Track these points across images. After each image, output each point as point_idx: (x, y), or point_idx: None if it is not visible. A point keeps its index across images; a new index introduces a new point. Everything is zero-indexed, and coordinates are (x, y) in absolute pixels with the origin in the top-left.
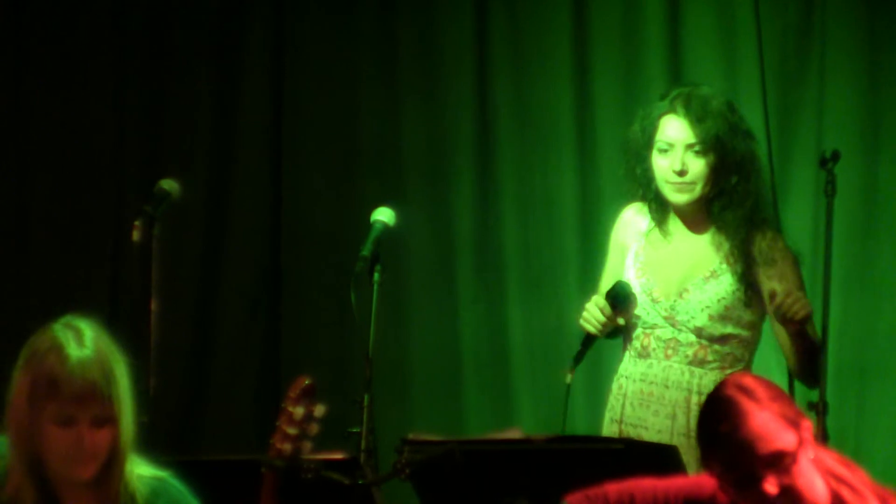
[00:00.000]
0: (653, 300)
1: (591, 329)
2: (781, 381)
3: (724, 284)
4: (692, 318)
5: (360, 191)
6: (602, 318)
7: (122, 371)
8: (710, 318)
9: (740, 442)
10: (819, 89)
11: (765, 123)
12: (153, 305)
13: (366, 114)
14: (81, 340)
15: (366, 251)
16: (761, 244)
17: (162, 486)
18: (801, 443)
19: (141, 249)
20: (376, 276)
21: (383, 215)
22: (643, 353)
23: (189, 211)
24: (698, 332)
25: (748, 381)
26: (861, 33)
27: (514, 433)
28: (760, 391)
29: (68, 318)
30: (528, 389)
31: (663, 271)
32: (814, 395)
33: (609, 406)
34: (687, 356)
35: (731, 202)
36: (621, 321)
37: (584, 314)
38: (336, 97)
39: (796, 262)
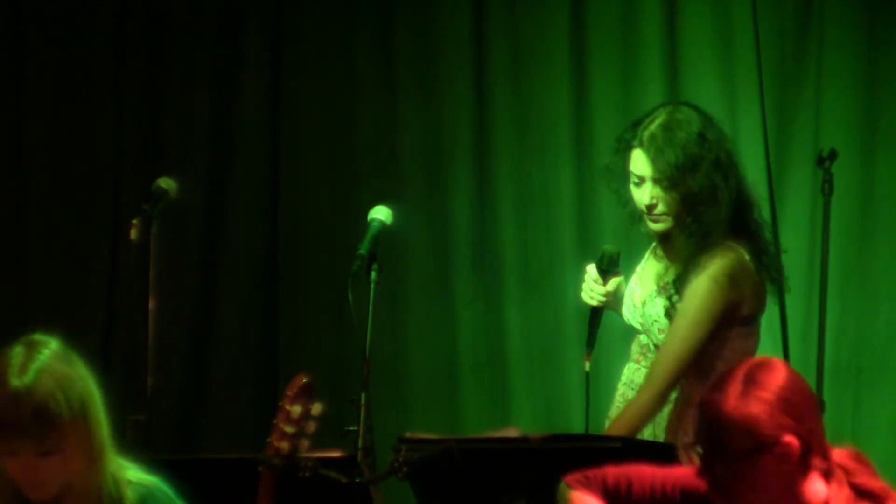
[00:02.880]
0: (633, 305)
1: (591, 301)
2: None
3: (663, 302)
4: (649, 328)
5: (357, 190)
6: (594, 286)
7: (71, 400)
8: (660, 331)
9: (719, 421)
10: (816, 90)
11: (762, 123)
12: (151, 304)
13: (363, 113)
14: (25, 369)
15: (363, 250)
16: (694, 270)
17: (150, 492)
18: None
19: (139, 248)
20: (373, 275)
21: (381, 214)
22: (629, 357)
23: (187, 210)
24: (655, 342)
25: (767, 362)
26: (859, 34)
27: (511, 432)
28: (770, 375)
29: (30, 338)
30: (525, 389)
31: (646, 282)
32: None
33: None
34: (650, 362)
35: (688, 230)
36: (611, 286)
37: (583, 286)
38: (333, 97)
39: (710, 296)
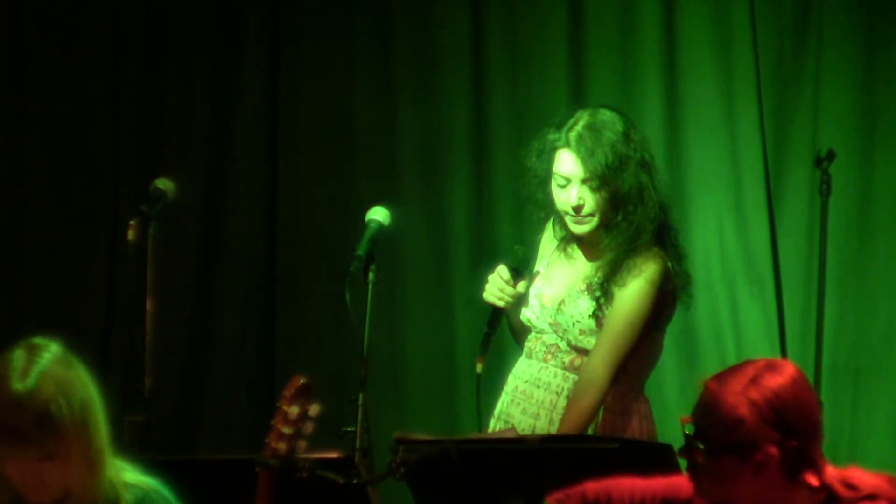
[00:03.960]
0: (542, 305)
1: (498, 302)
2: None
3: (589, 303)
4: (566, 329)
5: (355, 190)
6: (504, 287)
7: (72, 405)
8: (581, 332)
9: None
10: (815, 89)
11: (760, 124)
12: (149, 305)
13: (361, 114)
14: (26, 373)
15: (361, 250)
16: (625, 273)
17: (147, 494)
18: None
19: (137, 249)
20: (371, 275)
21: (378, 215)
22: (529, 354)
23: (185, 210)
24: (571, 343)
25: (776, 361)
26: (858, 33)
27: (509, 433)
28: (774, 371)
29: (31, 342)
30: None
31: (556, 280)
32: None
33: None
34: (563, 362)
35: (618, 231)
36: (521, 288)
37: (487, 287)
38: (331, 98)
39: (643, 301)
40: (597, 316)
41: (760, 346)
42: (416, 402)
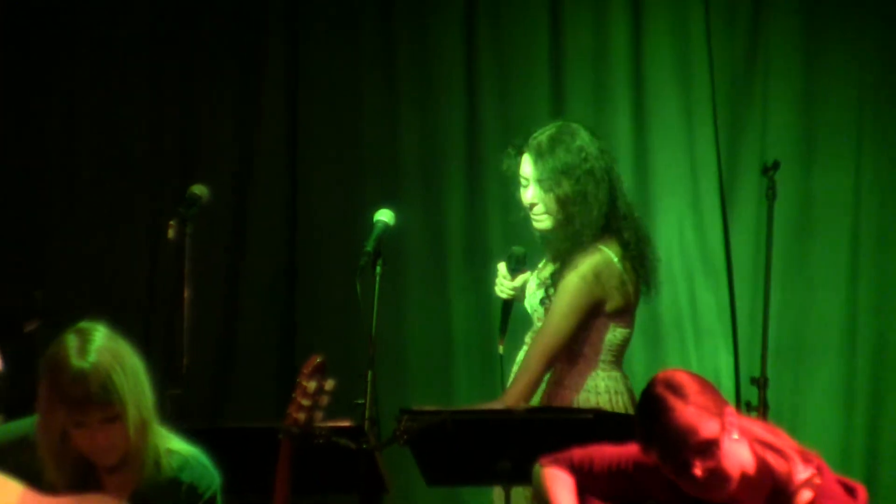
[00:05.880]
0: (529, 295)
1: (502, 294)
2: (727, 376)
3: (542, 294)
4: (532, 316)
5: (363, 194)
6: (503, 281)
7: (125, 372)
8: (539, 318)
9: (671, 436)
10: (762, 108)
11: (715, 137)
12: (186, 294)
13: (368, 127)
14: (84, 351)
15: (369, 247)
16: (567, 267)
17: (188, 461)
18: (723, 428)
19: (175, 246)
20: (378, 268)
21: (384, 216)
22: (526, 340)
23: (216, 212)
24: (536, 328)
25: (675, 378)
26: (798, 63)
27: (497, 405)
28: (686, 387)
29: (82, 325)
30: (509, 366)
31: (535, 277)
32: (756, 372)
33: None
34: None
35: (562, 229)
36: (518, 282)
37: (496, 282)
38: (342, 113)
39: (576, 295)
40: (545, 305)
41: (715, 330)
42: (416, 377)
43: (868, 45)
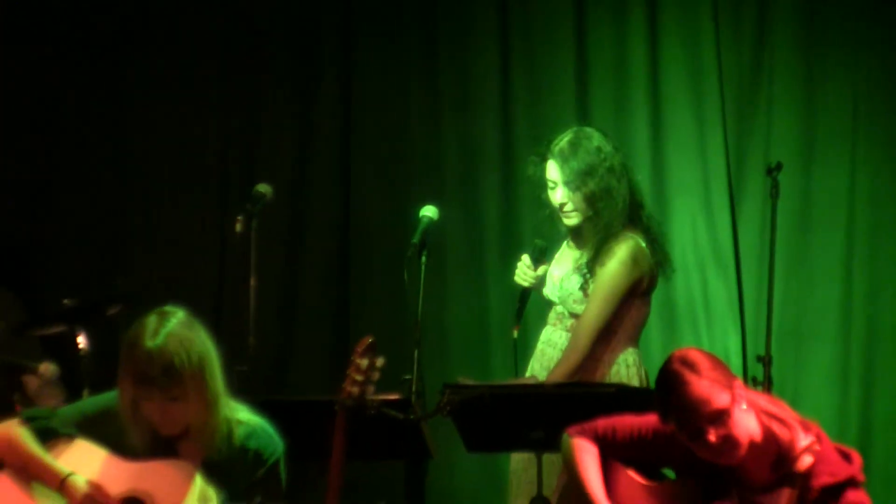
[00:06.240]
0: (553, 284)
1: (524, 283)
2: (735, 354)
3: (578, 279)
4: (565, 300)
5: (409, 193)
6: (527, 271)
7: (191, 358)
8: (574, 301)
9: (686, 407)
10: (767, 115)
11: (724, 142)
12: (252, 282)
13: (414, 133)
14: (156, 333)
15: (415, 239)
16: (604, 255)
17: (254, 430)
18: (733, 400)
19: (242, 239)
20: (423, 259)
21: (429, 212)
22: (548, 322)
23: (278, 209)
24: (569, 311)
25: (690, 355)
26: (800, 72)
27: (531, 380)
28: (700, 363)
29: (166, 308)
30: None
31: (562, 264)
32: (761, 351)
33: None
34: (566, 325)
35: (592, 222)
36: (541, 272)
37: (516, 272)
38: (391, 120)
39: (618, 278)
40: (584, 289)
41: (724, 315)
42: (457, 356)
43: (863, 57)
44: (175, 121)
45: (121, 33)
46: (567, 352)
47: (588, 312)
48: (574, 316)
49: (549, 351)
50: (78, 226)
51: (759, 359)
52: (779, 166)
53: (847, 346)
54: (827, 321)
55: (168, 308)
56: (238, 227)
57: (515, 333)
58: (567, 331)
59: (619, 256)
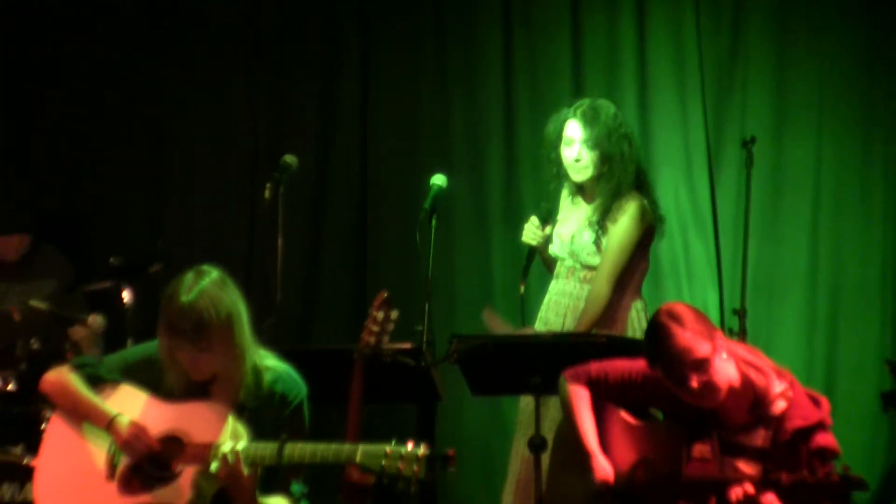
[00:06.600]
0: (562, 241)
1: (530, 241)
2: (713, 308)
3: (591, 234)
4: (578, 254)
5: (422, 162)
6: (536, 231)
7: (220, 314)
8: (588, 254)
9: (671, 355)
10: (742, 94)
11: (704, 118)
12: (279, 243)
13: (426, 109)
14: (191, 289)
15: (427, 205)
16: (615, 212)
17: (280, 376)
18: (714, 349)
19: (270, 204)
20: (433, 222)
21: (439, 180)
22: (556, 276)
23: (303, 177)
24: (582, 263)
25: (675, 309)
26: (771, 56)
27: (529, 330)
28: (684, 316)
29: (203, 267)
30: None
31: (569, 223)
32: (737, 305)
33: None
34: (578, 277)
35: (605, 181)
36: (548, 231)
37: (524, 232)
38: (405, 97)
39: (630, 233)
40: (597, 243)
41: (704, 273)
42: (463, 310)
43: (829, 44)
44: (209, 99)
45: (160, 16)
46: (590, 302)
47: (605, 264)
48: (586, 268)
49: (565, 300)
50: (122, 193)
51: (735, 312)
52: (753, 139)
53: (814, 300)
54: (795, 277)
55: (204, 267)
56: (267, 193)
57: (522, 289)
58: (581, 281)
59: (630, 213)
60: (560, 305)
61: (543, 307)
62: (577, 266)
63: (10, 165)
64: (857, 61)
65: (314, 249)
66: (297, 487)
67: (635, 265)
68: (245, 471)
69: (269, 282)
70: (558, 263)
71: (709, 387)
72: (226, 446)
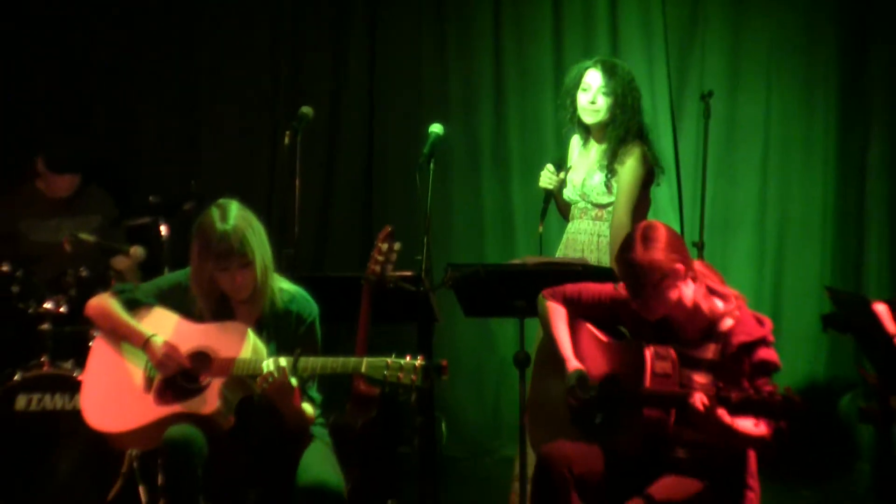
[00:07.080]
0: (574, 185)
1: (549, 185)
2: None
3: (602, 176)
4: (590, 195)
5: (421, 114)
6: (552, 176)
7: (254, 232)
8: (598, 193)
9: (634, 267)
10: (701, 54)
11: (667, 74)
12: (297, 184)
13: (425, 68)
14: (226, 217)
15: (426, 150)
16: (622, 156)
17: (294, 296)
18: (675, 272)
19: (289, 150)
20: (431, 166)
21: (437, 128)
22: (572, 218)
23: (318, 126)
24: (594, 203)
25: (651, 227)
26: (728, 22)
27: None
28: (658, 236)
29: (221, 201)
30: (525, 236)
31: (580, 168)
32: (696, 238)
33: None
34: (591, 216)
35: (613, 128)
36: (562, 175)
37: (541, 178)
38: (407, 57)
39: (636, 172)
40: (607, 184)
41: (667, 210)
42: (458, 242)
43: (777, 9)
44: (236, 58)
45: None
46: (614, 229)
47: (621, 198)
48: (597, 206)
49: (581, 237)
50: (160, 138)
51: (695, 244)
52: (710, 93)
53: (763, 234)
54: (747, 215)
55: (223, 201)
56: (286, 140)
57: (541, 229)
58: (593, 219)
59: (636, 155)
60: (577, 242)
61: (562, 246)
62: (589, 206)
63: (66, 118)
64: (802, 26)
65: (327, 189)
66: (316, 395)
67: (642, 201)
68: (293, 382)
69: (288, 217)
70: (572, 207)
71: (658, 300)
72: (267, 364)
